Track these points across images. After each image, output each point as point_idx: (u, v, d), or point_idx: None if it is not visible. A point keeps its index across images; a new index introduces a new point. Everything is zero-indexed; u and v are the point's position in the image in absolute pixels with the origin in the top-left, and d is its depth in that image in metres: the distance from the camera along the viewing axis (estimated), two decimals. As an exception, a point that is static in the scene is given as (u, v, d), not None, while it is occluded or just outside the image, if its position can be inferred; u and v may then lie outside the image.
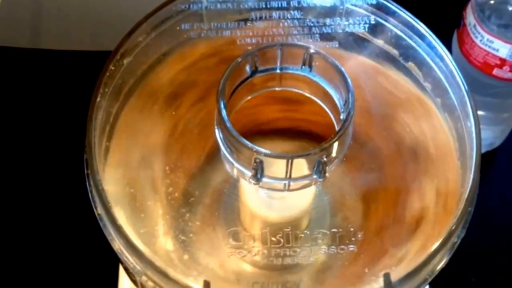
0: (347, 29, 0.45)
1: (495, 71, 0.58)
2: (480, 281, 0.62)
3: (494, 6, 0.57)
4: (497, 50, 0.57)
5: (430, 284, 0.40)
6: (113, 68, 0.42)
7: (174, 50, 0.45)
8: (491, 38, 0.56)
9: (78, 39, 0.72)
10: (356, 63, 0.45)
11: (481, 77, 0.59)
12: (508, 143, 0.67)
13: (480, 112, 0.44)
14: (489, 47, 0.57)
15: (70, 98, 0.67)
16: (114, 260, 0.42)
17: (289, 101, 0.45)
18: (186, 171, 0.44)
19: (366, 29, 0.45)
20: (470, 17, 0.58)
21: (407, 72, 0.45)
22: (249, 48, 0.40)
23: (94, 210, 0.40)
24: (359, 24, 0.45)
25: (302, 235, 0.43)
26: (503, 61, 0.57)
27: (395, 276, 0.39)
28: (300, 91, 0.42)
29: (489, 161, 0.67)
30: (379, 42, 0.45)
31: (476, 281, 0.62)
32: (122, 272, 0.51)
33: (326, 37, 0.44)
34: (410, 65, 0.45)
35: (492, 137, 0.66)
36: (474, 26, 0.57)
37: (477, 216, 0.40)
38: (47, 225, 0.62)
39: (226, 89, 0.39)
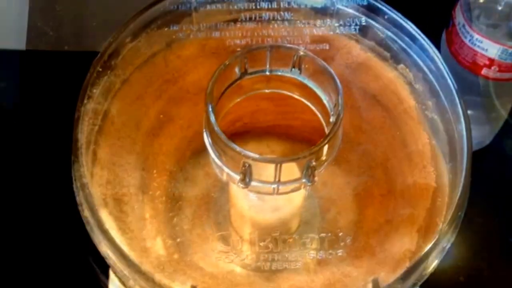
0: (337, 31, 0.44)
1: (484, 71, 0.58)
2: (468, 281, 0.62)
3: (483, 5, 0.57)
4: (486, 50, 0.56)
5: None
6: (100, 69, 0.42)
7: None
8: (480, 37, 0.56)
9: (62, 39, 0.71)
10: (346, 65, 0.45)
11: (470, 76, 0.59)
12: (497, 142, 0.67)
13: (469, 112, 0.45)
14: (478, 47, 0.57)
15: (56, 99, 0.66)
16: (105, 262, 0.41)
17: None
18: (173, 174, 0.44)
19: (357, 31, 0.44)
20: (459, 17, 0.57)
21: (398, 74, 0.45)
22: (238, 49, 0.39)
23: (81, 213, 0.39)
24: (350, 25, 0.44)
25: (291, 240, 0.42)
26: (491, 61, 0.57)
27: (384, 281, 0.38)
28: (290, 93, 0.41)
29: (478, 160, 0.67)
30: (370, 43, 0.45)
31: (464, 281, 0.62)
32: (112, 274, 0.50)
33: (316, 38, 0.44)
34: (402, 67, 0.44)
35: (481, 135, 0.66)
36: (463, 25, 0.57)
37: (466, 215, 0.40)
38: (36, 227, 0.61)
39: (215, 91, 0.38)
